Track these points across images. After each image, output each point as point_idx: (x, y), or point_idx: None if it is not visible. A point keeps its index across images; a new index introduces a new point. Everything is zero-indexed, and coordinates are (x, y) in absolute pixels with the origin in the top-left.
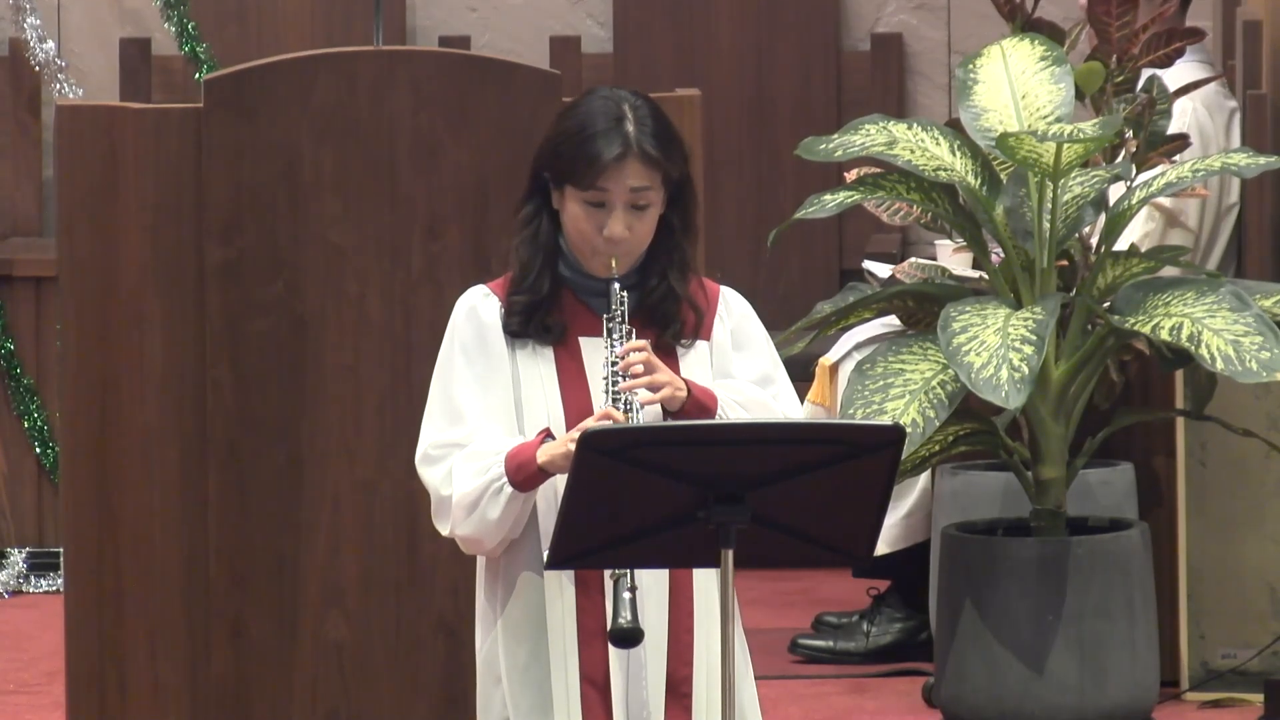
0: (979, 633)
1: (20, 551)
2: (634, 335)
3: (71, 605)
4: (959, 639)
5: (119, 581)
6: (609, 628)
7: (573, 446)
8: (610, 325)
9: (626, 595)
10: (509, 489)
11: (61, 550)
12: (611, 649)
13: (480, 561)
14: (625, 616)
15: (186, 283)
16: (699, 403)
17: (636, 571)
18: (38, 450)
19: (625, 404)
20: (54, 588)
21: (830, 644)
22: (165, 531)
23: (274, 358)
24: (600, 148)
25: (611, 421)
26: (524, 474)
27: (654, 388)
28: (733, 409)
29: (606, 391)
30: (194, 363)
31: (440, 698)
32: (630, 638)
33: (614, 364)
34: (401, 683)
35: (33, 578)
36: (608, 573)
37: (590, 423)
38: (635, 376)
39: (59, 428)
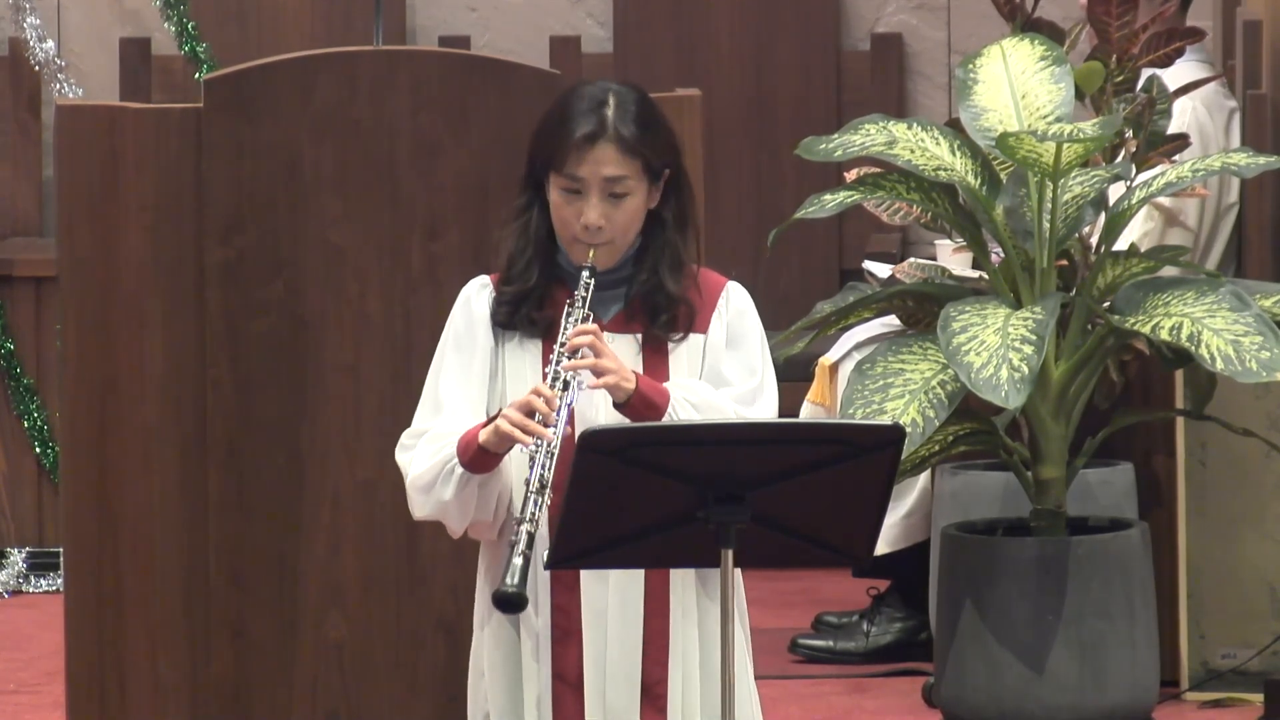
0: (979, 633)
1: (20, 551)
2: (590, 321)
3: (71, 605)
4: (959, 639)
5: (119, 581)
6: (494, 590)
7: (501, 424)
8: (569, 309)
9: (518, 560)
10: (459, 469)
11: (61, 550)
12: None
13: (481, 561)
14: (511, 581)
15: (186, 283)
16: (646, 398)
17: (536, 537)
18: (38, 450)
19: (563, 384)
20: (54, 588)
21: (830, 644)
22: (165, 531)
23: (274, 358)
24: (573, 129)
25: (539, 398)
26: (470, 453)
27: (597, 372)
28: (684, 408)
29: (549, 370)
30: (194, 363)
31: (440, 698)
32: (512, 602)
33: (562, 344)
34: (401, 683)
35: (33, 578)
36: (511, 535)
37: (520, 399)
38: (581, 358)
39: (59, 428)
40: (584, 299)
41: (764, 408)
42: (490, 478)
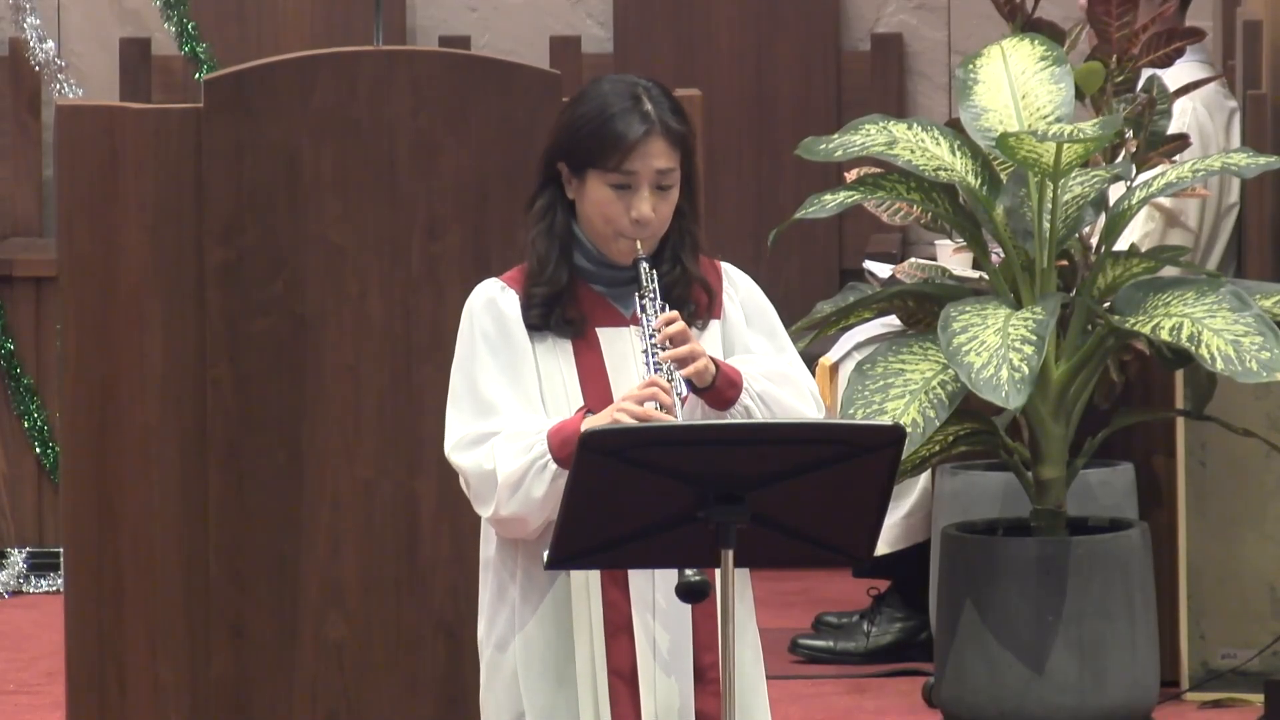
0: (979, 633)
1: (20, 551)
2: (666, 309)
3: (71, 605)
4: (959, 639)
5: (119, 581)
6: (677, 582)
7: (621, 417)
8: (644, 302)
9: None
10: (553, 465)
11: (61, 550)
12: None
13: (484, 555)
14: (693, 570)
15: (186, 283)
16: (727, 378)
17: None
18: (38, 450)
19: (668, 374)
20: (54, 588)
21: (830, 644)
22: (165, 531)
23: (274, 358)
24: (624, 127)
25: (658, 390)
26: (568, 450)
27: (690, 358)
28: (758, 381)
29: (648, 364)
30: (194, 363)
31: (440, 698)
32: (698, 590)
33: (651, 336)
34: (401, 683)
35: (33, 578)
36: None
37: (637, 391)
38: (673, 345)
39: (59, 428)
40: (654, 290)
41: (806, 374)
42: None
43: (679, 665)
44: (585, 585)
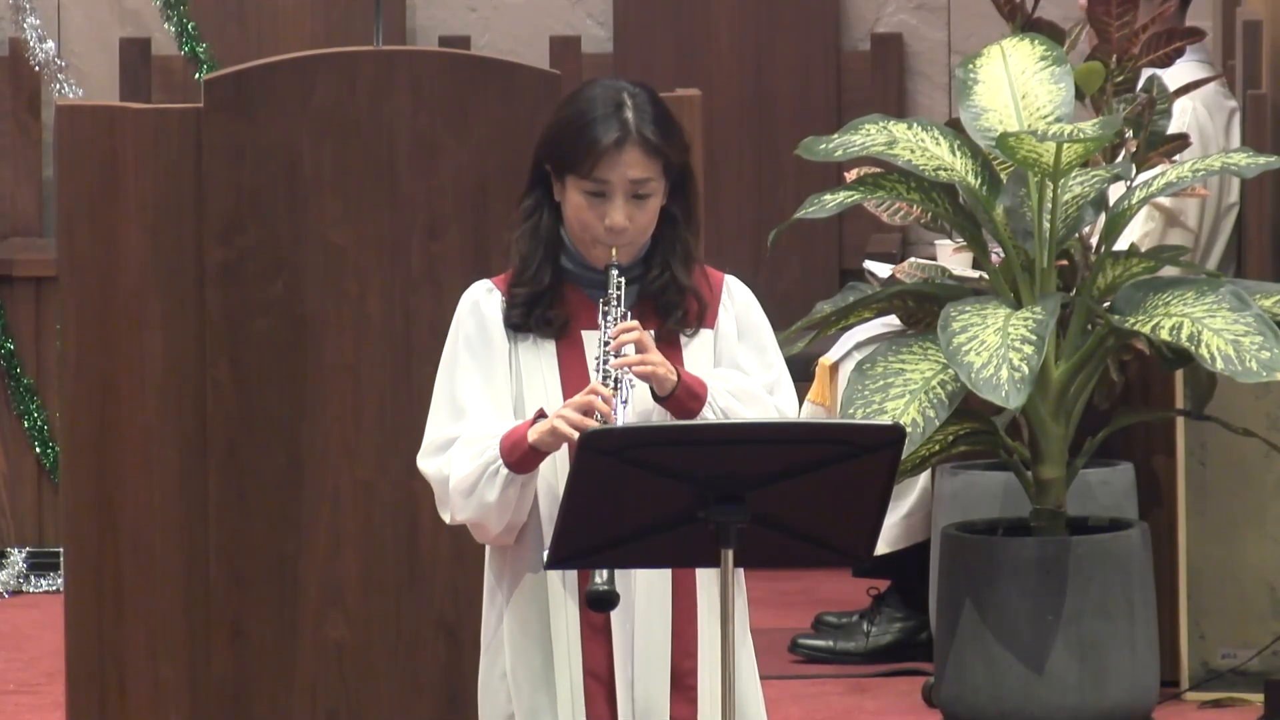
0: (979, 633)
1: (20, 551)
2: (629, 318)
3: (71, 605)
4: (959, 639)
5: (119, 581)
6: (586, 590)
7: (558, 424)
8: (606, 309)
9: None
10: (505, 470)
11: (61, 550)
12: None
13: (488, 558)
14: (601, 577)
15: (186, 283)
16: (689, 388)
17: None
18: (38, 450)
19: (614, 381)
20: (54, 588)
21: (830, 644)
22: (165, 531)
23: (274, 358)
24: (599, 134)
25: (597, 397)
26: (517, 454)
27: (641, 365)
28: (723, 397)
29: (598, 370)
30: (194, 363)
31: (440, 698)
32: (605, 600)
33: (606, 344)
34: (401, 683)
35: (33, 578)
36: None
37: (577, 398)
38: (637, 352)
39: (59, 428)
40: (619, 297)
41: (787, 396)
42: (530, 478)
43: (656, 669)
44: (563, 586)
